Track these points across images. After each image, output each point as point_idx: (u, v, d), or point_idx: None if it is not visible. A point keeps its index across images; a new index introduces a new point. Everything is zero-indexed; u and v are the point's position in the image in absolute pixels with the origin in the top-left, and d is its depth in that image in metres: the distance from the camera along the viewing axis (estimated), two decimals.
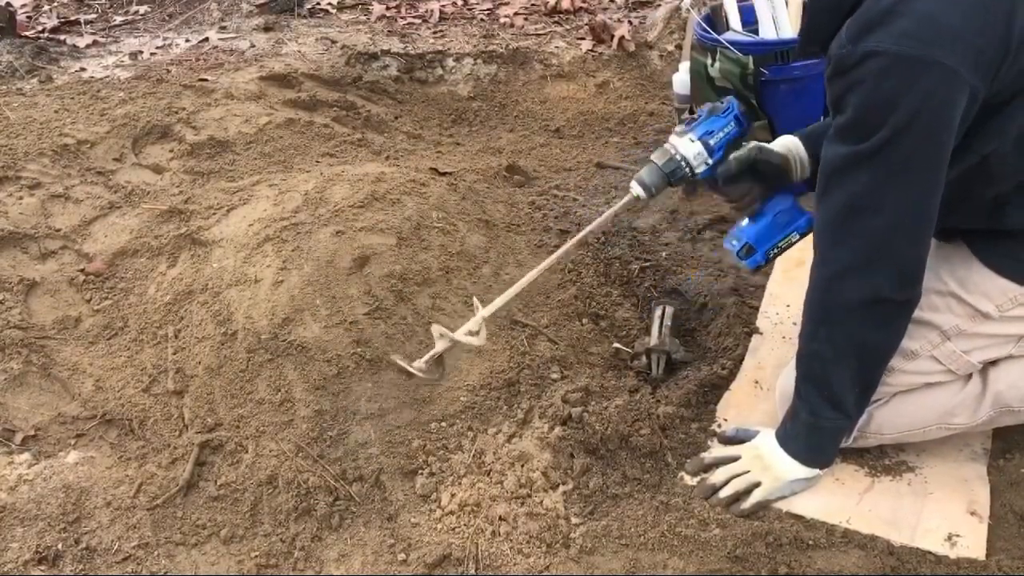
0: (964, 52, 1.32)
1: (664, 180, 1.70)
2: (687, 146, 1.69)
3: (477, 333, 1.79)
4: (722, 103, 1.73)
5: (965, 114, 1.37)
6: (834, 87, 1.43)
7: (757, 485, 1.66)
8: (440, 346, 1.79)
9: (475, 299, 1.87)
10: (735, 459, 1.72)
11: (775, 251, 1.82)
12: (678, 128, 1.72)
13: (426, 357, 1.80)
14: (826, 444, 1.67)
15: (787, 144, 1.80)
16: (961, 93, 1.35)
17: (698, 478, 1.74)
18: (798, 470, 1.66)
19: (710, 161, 1.71)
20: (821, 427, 1.62)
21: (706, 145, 1.69)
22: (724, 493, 1.68)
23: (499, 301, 1.82)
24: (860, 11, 1.39)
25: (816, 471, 1.67)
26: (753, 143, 1.75)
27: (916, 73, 1.32)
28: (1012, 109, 1.41)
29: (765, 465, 1.68)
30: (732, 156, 1.72)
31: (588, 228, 1.87)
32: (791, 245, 1.82)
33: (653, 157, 1.72)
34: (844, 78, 1.39)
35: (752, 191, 1.79)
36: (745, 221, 1.84)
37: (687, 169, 1.70)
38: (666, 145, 1.72)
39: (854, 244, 1.47)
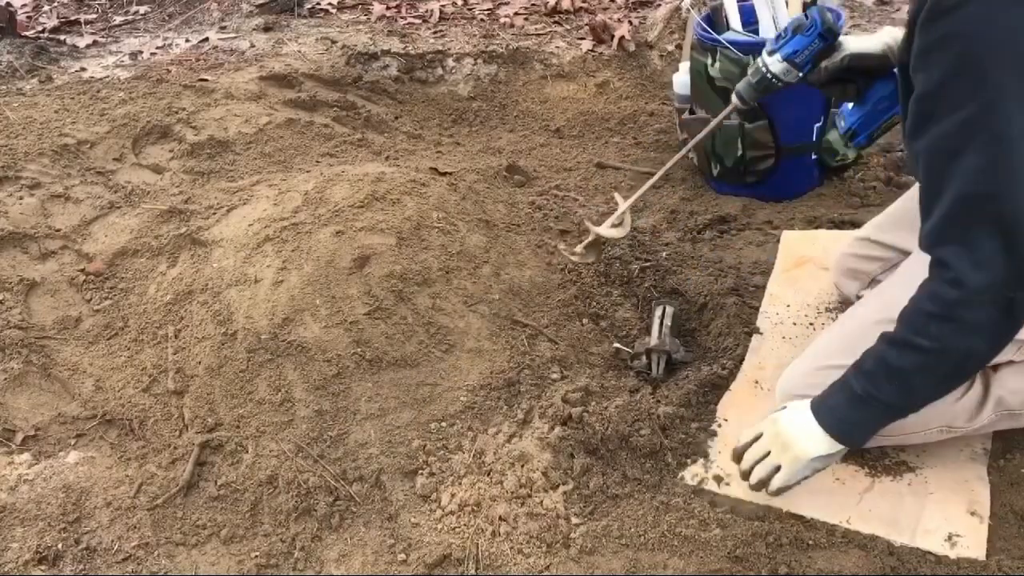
0: None
1: (758, 94, 1.83)
2: (776, 65, 1.75)
3: (620, 224, 2.01)
4: (807, 19, 1.73)
5: None
6: (930, 31, 1.24)
7: (778, 469, 1.57)
8: (590, 237, 2.02)
9: (616, 193, 2.13)
10: (759, 437, 1.62)
11: (879, 132, 1.83)
12: (768, 46, 1.77)
13: (580, 246, 2.08)
14: (868, 421, 1.51)
15: (884, 39, 1.74)
16: None
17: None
18: (820, 446, 1.52)
19: (800, 74, 1.76)
20: (870, 404, 1.47)
21: (793, 64, 1.74)
22: (752, 481, 1.60)
23: (637, 194, 2.04)
24: None
25: (839, 449, 1.53)
26: (847, 53, 1.73)
27: (1017, 20, 1.17)
28: None
29: (784, 444, 1.56)
30: (823, 65, 1.74)
31: (700, 135, 2.02)
32: (894, 125, 1.82)
33: (749, 71, 1.83)
34: (942, 21, 1.22)
35: (849, 88, 1.77)
36: (850, 104, 1.85)
37: (779, 83, 1.78)
38: (758, 62, 1.79)
39: (976, 243, 1.29)
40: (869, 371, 1.47)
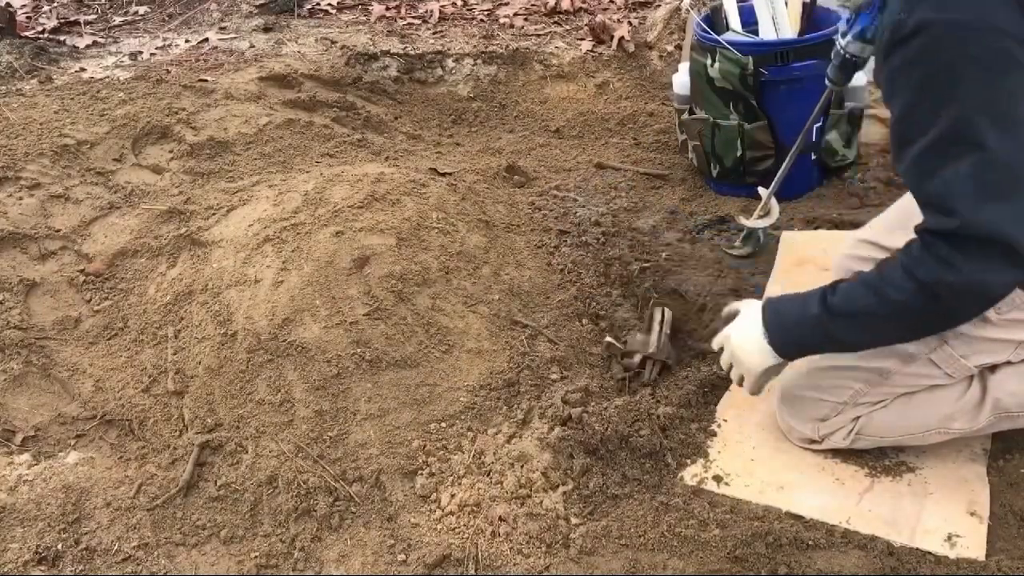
0: (1010, 11, 1.28)
1: (843, 74, 1.97)
2: (851, 45, 1.87)
3: (767, 214, 2.26)
4: None
5: None
6: (892, 60, 1.36)
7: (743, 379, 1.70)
8: (746, 229, 2.34)
9: (759, 187, 2.35)
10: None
11: None
12: (841, 27, 1.90)
13: (737, 242, 2.41)
14: (808, 341, 1.58)
15: None
16: (1019, 49, 1.28)
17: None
18: (766, 360, 1.62)
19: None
20: (818, 330, 1.54)
21: (864, 40, 1.83)
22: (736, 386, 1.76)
23: (775, 184, 2.27)
24: None
25: (781, 361, 1.62)
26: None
27: (970, 39, 1.27)
28: None
29: (738, 360, 1.68)
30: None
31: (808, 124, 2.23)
32: None
33: (832, 55, 1.96)
34: (901, 50, 1.33)
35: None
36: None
37: (858, 60, 1.90)
38: (837, 46, 1.92)
39: (952, 244, 1.36)
40: (834, 301, 1.51)
